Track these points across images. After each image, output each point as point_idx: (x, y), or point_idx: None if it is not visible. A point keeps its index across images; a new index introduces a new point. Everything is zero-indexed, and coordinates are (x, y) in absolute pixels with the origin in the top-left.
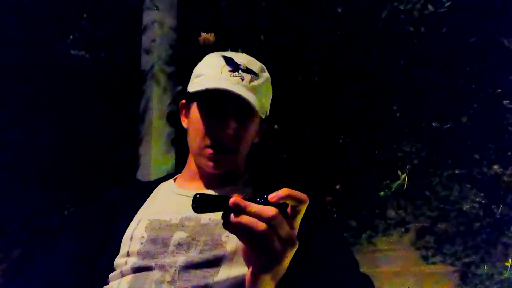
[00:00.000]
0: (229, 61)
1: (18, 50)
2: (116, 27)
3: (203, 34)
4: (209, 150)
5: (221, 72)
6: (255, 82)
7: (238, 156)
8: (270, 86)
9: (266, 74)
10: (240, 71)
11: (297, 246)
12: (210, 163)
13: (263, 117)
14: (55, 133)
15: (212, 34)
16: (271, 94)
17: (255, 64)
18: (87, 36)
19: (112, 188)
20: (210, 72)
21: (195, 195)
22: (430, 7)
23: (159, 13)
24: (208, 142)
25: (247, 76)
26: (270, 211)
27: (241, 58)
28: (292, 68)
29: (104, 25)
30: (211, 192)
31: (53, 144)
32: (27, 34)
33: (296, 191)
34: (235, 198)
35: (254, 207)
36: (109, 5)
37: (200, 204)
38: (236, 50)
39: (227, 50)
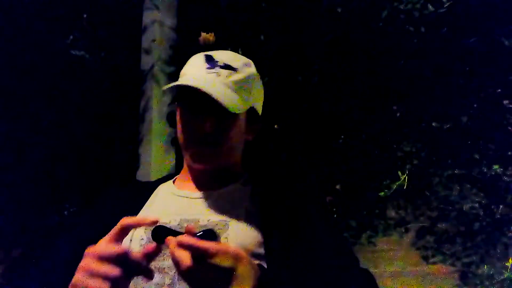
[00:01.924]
0: (208, 58)
1: (18, 50)
2: (116, 27)
3: (203, 34)
4: (193, 146)
5: (199, 70)
6: (234, 77)
7: (224, 150)
8: (258, 82)
9: (250, 70)
10: (217, 68)
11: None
12: (196, 159)
13: (251, 113)
14: (55, 133)
15: (212, 34)
16: (261, 90)
17: (236, 60)
18: (87, 36)
19: (111, 189)
20: (189, 71)
21: (155, 227)
22: (430, 7)
23: (159, 13)
24: (190, 138)
25: (224, 72)
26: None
27: (222, 55)
28: (292, 68)
29: (104, 25)
30: (211, 192)
31: (53, 144)
32: (27, 34)
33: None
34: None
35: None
36: (109, 5)
37: (158, 235)
38: (236, 50)
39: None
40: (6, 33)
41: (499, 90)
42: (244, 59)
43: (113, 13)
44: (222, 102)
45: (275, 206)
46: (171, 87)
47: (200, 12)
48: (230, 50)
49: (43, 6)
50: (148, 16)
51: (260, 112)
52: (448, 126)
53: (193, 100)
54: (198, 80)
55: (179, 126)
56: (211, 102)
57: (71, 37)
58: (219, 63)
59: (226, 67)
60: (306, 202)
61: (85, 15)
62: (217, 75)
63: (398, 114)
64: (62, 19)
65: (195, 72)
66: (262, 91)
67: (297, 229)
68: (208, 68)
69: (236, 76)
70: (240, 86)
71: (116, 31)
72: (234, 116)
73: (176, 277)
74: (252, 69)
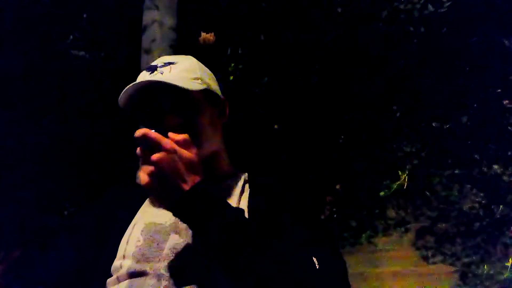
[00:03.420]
0: (148, 67)
1: (18, 50)
2: (116, 27)
3: (203, 34)
4: None
5: (143, 77)
6: (176, 69)
7: (199, 138)
8: (203, 67)
9: (190, 59)
10: (158, 69)
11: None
12: None
13: (210, 95)
14: (55, 133)
15: (212, 34)
16: (209, 74)
17: (174, 57)
18: (87, 36)
19: (111, 191)
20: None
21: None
22: (430, 7)
23: (159, 13)
24: None
25: (166, 68)
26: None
27: (159, 59)
28: (292, 68)
29: (104, 25)
30: None
31: (53, 144)
32: (27, 34)
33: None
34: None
35: None
36: (109, 5)
37: None
38: (236, 50)
39: (227, 50)
40: (6, 33)
41: (499, 90)
42: (181, 55)
43: (113, 13)
44: (176, 84)
45: (262, 204)
46: (127, 101)
47: (200, 12)
48: (230, 50)
49: (43, 7)
50: (148, 16)
51: (218, 93)
52: (448, 126)
53: (147, 108)
54: (145, 81)
55: None
56: (167, 100)
57: (71, 37)
58: (158, 65)
59: (166, 64)
60: (290, 200)
61: (85, 15)
62: (161, 73)
63: (398, 114)
64: (62, 19)
65: (139, 80)
66: (212, 75)
67: (278, 227)
68: (150, 73)
69: (178, 67)
70: (186, 73)
71: (116, 31)
72: (194, 103)
73: (172, 279)
74: (191, 59)
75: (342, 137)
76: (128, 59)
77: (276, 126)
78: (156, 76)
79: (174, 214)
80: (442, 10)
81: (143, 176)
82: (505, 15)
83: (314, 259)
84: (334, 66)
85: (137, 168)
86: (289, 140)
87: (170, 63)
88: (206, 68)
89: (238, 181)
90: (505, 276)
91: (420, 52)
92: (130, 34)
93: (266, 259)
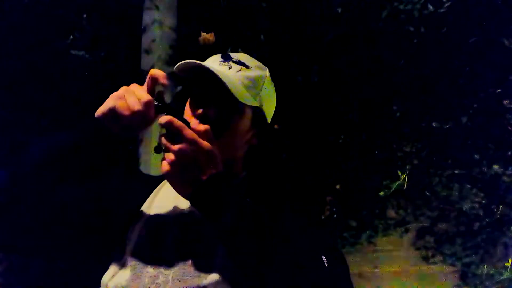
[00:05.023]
0: (224, 55)
1: (18, 50)
2: (116, 27)
3: (203, 34)
4: None
5: (213, 62)
6: (244, 73)
7: (223, 144)
8: (269, 86)
9: (263, 72)
10: (230, 62)
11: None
12: None
13: (258, 115)
14: (54, 134)
15: (212, 34)
16: (271, 96)
17: (251, 61)
18: (87, 36)
19: (122, 178)
20: (204, 63)
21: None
22: (430, 7)
23: (159, 13)
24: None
25: (236, 66)
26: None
27: (239, 55)
28: (292, 68)
29: (104, 25)
30: None
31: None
32: (28, 34)
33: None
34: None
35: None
36: (109, 5)
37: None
38: (236, 50)
39: (227, 50)
40: (7, 33)
41: (499, 90)
42: (259, 63)
43: (113, 13)
44: (229, 87)
45: (262, 204)
46: (185, 74)
47: (200, 12)
48: (230, 51)
49: (43, 6)
50: (148, 16)
51: (268, 118)
52: (448, 126)
53: (201, 90)
54: (209, 67)
55: (185, 117)
56: (218, 93)
57: (71, 37)
58: (233, 59)
59: (239, 63)
60: (290, 200)
61: (85, 15)
62: (229, 67)
63: (398, 114)
64: (62, 19)
65: (208, 63)
66: (274, 99)
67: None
68: (221, 61)
69: (247, 73)
70: (250, 83)
71: (116, 31)
72: (239, 111)
73: (171, 275)
74: (265, 72)
75: (342, 137)
76: (128, 59)
77: (276, 126)
78: (222, 68)
79: (191, 203)
80: (442, 10)
81: (164, 164)
82: (505, 15)
83: (324, 258)
84: (334, 66)
85: (137, 167)
86: (289, 140)
87: (244, 65)
88: (273, 90)
89: (240, 182)
90: (505, 276)
91: (420, 52)
92: (130, 34)
93: (279, 254)
